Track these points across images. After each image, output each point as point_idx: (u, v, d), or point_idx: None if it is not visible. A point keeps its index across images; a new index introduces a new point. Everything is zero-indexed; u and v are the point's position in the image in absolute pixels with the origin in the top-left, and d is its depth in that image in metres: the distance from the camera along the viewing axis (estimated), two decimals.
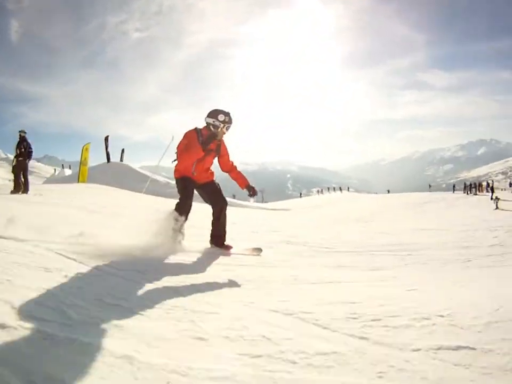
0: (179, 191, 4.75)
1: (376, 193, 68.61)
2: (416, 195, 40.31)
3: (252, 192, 4.94)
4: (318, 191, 73.39)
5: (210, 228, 4.94)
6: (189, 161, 4.59)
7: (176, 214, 4.46)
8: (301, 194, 74.40)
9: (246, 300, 3.02)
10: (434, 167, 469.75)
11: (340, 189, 67.58)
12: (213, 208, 4.86)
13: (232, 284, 3.62)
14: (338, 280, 4.30)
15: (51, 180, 36.22)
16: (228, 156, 4.95)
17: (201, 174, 4.77)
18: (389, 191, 63.09)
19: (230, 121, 4.58)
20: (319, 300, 3.12)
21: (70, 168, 52.67)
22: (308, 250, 6.99)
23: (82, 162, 24.51)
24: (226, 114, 4.55)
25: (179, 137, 4.78)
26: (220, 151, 4.80)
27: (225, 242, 4.91)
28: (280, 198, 68.56)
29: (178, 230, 4.44)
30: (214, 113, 4.57)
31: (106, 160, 29.83)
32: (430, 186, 59.92)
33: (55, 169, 63.32)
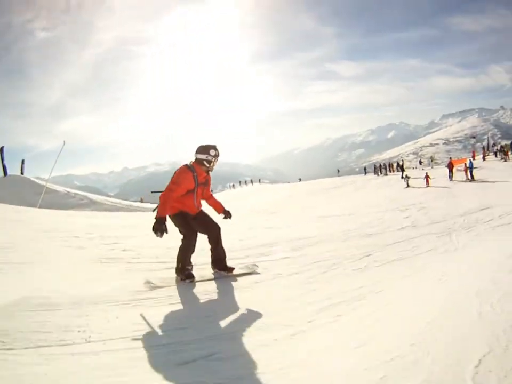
0: (180, 226, 4.74)
1: (289, 182, 68.96)
2: (327, 180, 40.51)
3: (227, 215, 5.11)
4: (230, 186, 72.81)
5: (210, 254, 5.00)
6: (189, 202, 4.73)
7: (184, 265, 4.66)
8: (212, 190, 72.73)
9: None
10: (347, 152, 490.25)
11: (252, 182, 67.32)
12: (209, 236, 4.90)
13: None
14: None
15: None
16: (210, 186, 5.12)
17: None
18: (300, 179, 63.23)
19: (219, 154, 4.82)
20: None
21: None
22: (128, 265, 5.29)
23: None
24: (215, 148, 4.78)
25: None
26: (208, 183, 5.00)
27: (227, 264, 5.02)
28: None
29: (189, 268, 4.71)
30: (205, 150, 4.74)
31: (2, 174, 28.10)
32: (338, 171, 60.57)
33: None
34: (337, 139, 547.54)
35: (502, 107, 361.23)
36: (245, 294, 4.08)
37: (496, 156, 34.10)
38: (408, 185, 24.39)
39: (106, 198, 31.64)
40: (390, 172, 39.09)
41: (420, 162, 49.68)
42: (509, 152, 31.65)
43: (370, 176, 38.69)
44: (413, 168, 47.17)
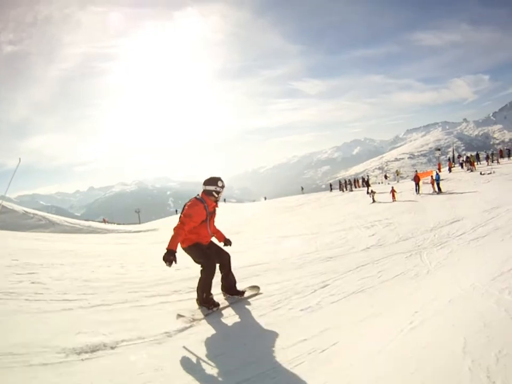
0: (198, 256, 4.83)
1: (254, 200, 68.88)
2: (292, 198, 40.04)
3: (227, 243, 5.19)
4: None
5: (221, 281, 5.06)
6: (204, 231, 4.88)
7: (206, 294, 4.66)
8: (176, 211, 72.35)
9: None
10: (313, 169, 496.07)
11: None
12: (221, 264, 4.99)
13: None
14: None
15: None
16: (216, 215, 5.23)
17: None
18: (265, 198, 62.91)
19: (224, 184, 5.06)
20: None
21: None
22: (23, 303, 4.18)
23: None
24: (221, 179, 5.06)
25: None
26: (215, 212, 5.13)
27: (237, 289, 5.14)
28: (160, 216, 65.92)
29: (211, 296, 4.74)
30: (212, 181, 4.97)
31: None
32: (302, 188, 60.33)
33: None
34: (303, 156, 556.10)
35: (465, 120, 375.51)
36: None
37: (462, 167, 34.40)
38: (374, 201, 23.84)
39: (66, 218, 30.92)
40: (356, 187, 38.78)
41: (385, 177, 49.81)
42: (475, 163, 32.02)
43: (336, 192, 38.36)
44: (379, 183, 47.25)
